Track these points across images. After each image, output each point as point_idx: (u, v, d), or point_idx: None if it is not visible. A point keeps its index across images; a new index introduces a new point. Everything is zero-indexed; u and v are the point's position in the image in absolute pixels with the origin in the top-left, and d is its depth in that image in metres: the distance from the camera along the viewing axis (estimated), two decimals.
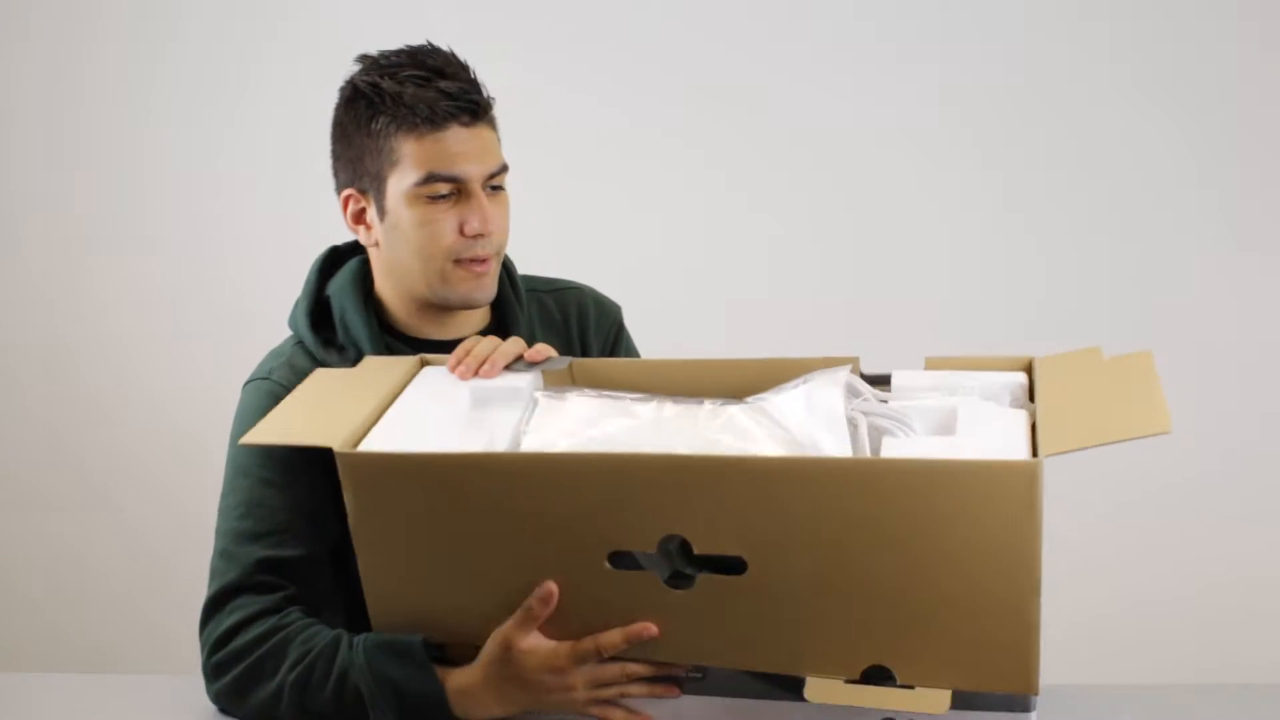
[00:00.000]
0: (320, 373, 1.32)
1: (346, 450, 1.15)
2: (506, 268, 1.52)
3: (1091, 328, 2.41)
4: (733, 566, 1.10)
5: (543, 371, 1.30)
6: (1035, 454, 1.07)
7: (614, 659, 1.17)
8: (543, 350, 1.33)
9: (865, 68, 2.56)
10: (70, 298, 2.75)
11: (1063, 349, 1.23)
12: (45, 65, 2.69)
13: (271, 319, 2.66)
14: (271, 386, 1.40)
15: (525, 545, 1.14)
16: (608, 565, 1.12)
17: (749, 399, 1.22)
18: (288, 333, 2.61)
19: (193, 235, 2.72)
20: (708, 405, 1.22)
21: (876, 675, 1.08)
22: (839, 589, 1.07)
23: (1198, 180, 2.52)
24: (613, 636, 1.15)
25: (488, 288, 1.42)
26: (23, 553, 2.80)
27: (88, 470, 2.77)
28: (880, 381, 1.23)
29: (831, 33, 2.55)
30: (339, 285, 1.48)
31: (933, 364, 1.24)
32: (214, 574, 1.33)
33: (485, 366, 1.30)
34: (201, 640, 1.31)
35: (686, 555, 1.11)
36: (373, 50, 1.43)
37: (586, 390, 1.26)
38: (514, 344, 1.33)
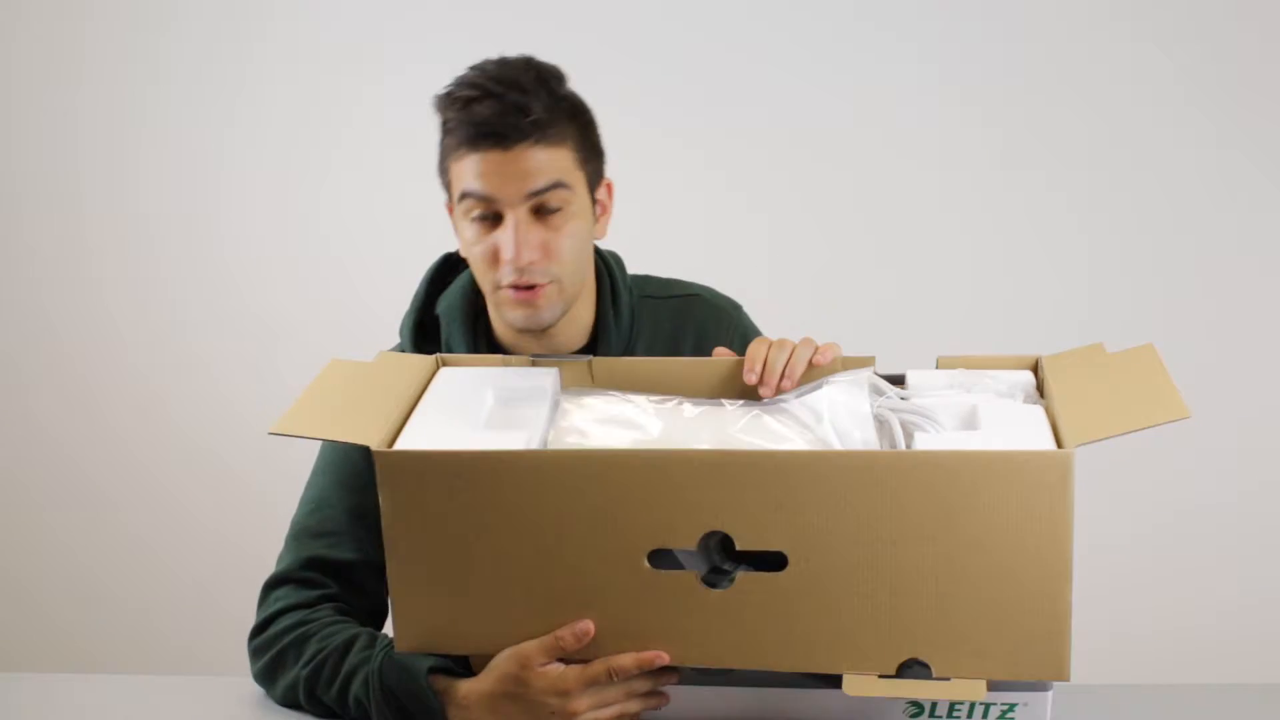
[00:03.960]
0: (336, 364, 1.29)
1: (384, 449, 1.14)
2: (611, 275, 1.50)
3: (1098, 330, 2.41)
4: (772, 563, 1.10)
5: (562, 366, 1.29)
6: (1060, 446, 1.10)
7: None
8: (830, 351, 1.29)
9: (872, 66, 2.55)
10: (69, 297, 2.75)
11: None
12: (41, 62, 2.69)
13: (271, 318, 2.70)
14: None
15: (564, 544, 1.13)
16: (646, 564, 1.12)
17: (768, 400, 1.24)
18: (285, 333, 2.66)
19: (193, 235, 2.72)
20: (729, 407, 1.23)
21: (912, 669, 1.10)
22: (877, 581, 1.09)
23: (1211, 180, 2.52)
24: (625, 661, 1.14)
25: (542, 311, 1.39)
26: (22, 553, 2.80)
27: (87, 471, 2.77)
28: (895, 381, 1.26)
29: (840, 30, 2.55)
30: (448, 303, 1.48)
31: (944, 363, 1.28)
32: (277, 560, 1.41)
33: (785, 381, 1.26)
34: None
35: (727, 551, 1.11)
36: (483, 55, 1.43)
37: (607, 393, 1.26)
38: (805, 347, 1.28)
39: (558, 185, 1.37)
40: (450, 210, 1.44)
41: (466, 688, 1.19)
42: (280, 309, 2.70)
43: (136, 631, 2.76)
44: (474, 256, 1.40)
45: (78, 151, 2.71)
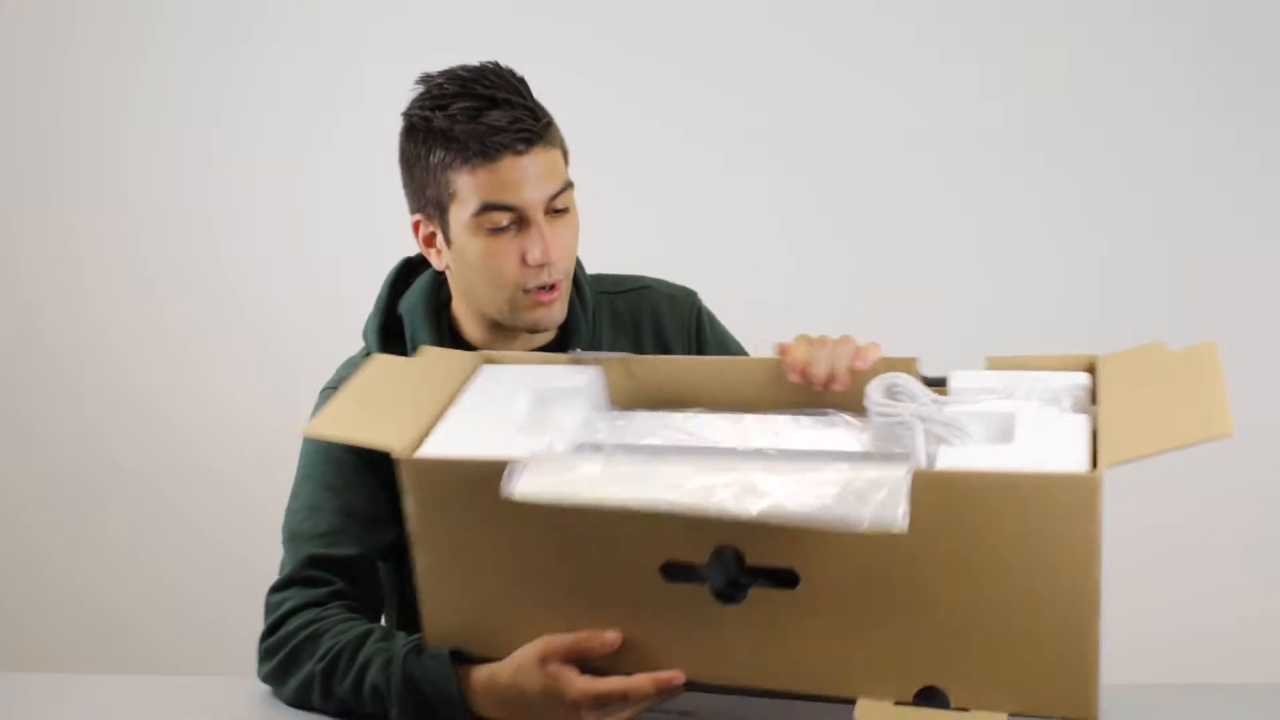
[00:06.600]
0: (380, 359, 1.32)
1: (407, 457, 1.15)
2: (575, 271, 1.52)
3: (1109, 327, 2.41)
4: (785, 581, 1.07)
5: (603, 364, 1.28)
6: (1096, 463, 1.04)
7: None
8: (871, 352, 1.21)
9: (893, 65, 2.55)
10: (64, 300, 2.74)
11: (1103, 351, 1.19)
12: (26, 61, 2.69)
13: (264, 318, 2.70)
14: None
15: (578, 554, 1.12)
16: (660, 577, 1.10)
17: (816, 412, 1.19)
18: (277, 333, 2.66)
19: (184, 235, 2.71)
20: (772, 422, 1.19)
21: (929, 697, 1.06)
22: (892, 603, 1.04)
23: (1225, 179, 2.52)
24: (643, 685, 1.13)
25: (556, 312, 1.44)
26: (17, 555, 2.80)
27: (77, 472, 2.77)
28: (938, 384, 1.19)
29: (858, 30, 2.55)
30: (410, 304, 1.50)
31: (994, 364, 1.20)
32: (279, 568, 1.41)
33: (836, 384, 1.20)
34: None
35: (739, 566, 1.08)
36: (434, 68, 1.43)
37: (646, 414, 1.24)
38: (845, 345, 1.21)
39: (568, 186, 1.42)
40: (420, 226, 1.45)
41: (487, 673, 1.20)
42: (273, 309, 2.70)
43: (132, 632, 2.76)
44: (492, 267, 1.40)
45: (63, 151, 2.71)
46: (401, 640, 1.26)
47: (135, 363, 2.73)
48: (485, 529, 1.13)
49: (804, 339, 1.23)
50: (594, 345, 1.51)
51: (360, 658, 1.27)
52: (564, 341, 1.50)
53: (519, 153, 1.37)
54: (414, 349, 1.45)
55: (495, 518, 1.11)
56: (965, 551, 1.01)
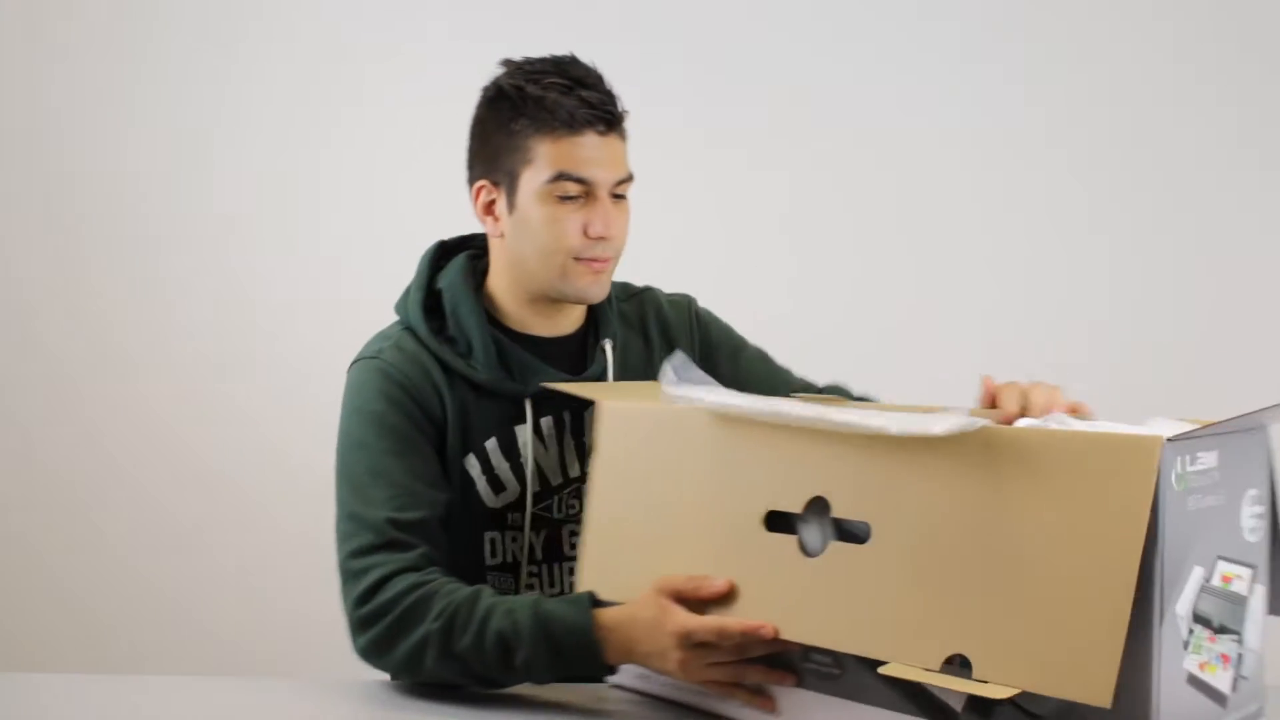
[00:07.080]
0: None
1: (606, 402, 1.34)
2: None
3: (1116, 328, 2.42)
4: (861, 541, 1.14)
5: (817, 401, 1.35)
6: None
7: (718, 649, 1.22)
8: (1083, 411, 1.27)
9: (895, 68, 2.56)
10: (64, 300, 2.74)
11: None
12: (25, 66, 2.69)
13: (264, 318, 2.70)
14: (380, 364, 1.49)
15: (704, 501, 1.23)
16: (762, 526, 1.19)
17: None
18: (278, 333, 2.66)
19: (187, 236, 2.72)
20: None
21: (953, 665, 1.07)
22: (947, 562, 1.06)
23: (1240, 178, 2.53)
24: (731, 630, 1.19)
25: (604, 285, 1.52)
26: (18, 555, 2.79)
27: (82, 473, 2.76)
28: None
29: (866, 32, 2.56)
30: (450, 280, 1.56)
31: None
32: (346, 537, 1.42)
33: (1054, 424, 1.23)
34: (344, 597, 1.38)
35: (830, 518, 1.16)
36: (518, 56, 1.50)
37: None
38: (1055, 391, 1.30)
39: (631, 176, 1.51)
40: (482, 192, 1.51)
41: (612, 612, 1.28)
42: (273, 309, 2.70)
43: (130, 633, 2.75)
44: (553, 233, 1.47)
45: (63, 151, 2.71)
46: (518, 596, 1.33)
47: (135, 363, 2.73)
48: (650, 478, 1.28)
49: (1015, 387, 1.30)
50: (613, 337, 1.59)
51: (479, 610, 1.31)
52: (589, 329, 1.59)
53: (601, 132, 1.46)
54: (454, 321, 1.52)
55: (654, 464, 1.28)
56: (1024, 511, 1.02)
